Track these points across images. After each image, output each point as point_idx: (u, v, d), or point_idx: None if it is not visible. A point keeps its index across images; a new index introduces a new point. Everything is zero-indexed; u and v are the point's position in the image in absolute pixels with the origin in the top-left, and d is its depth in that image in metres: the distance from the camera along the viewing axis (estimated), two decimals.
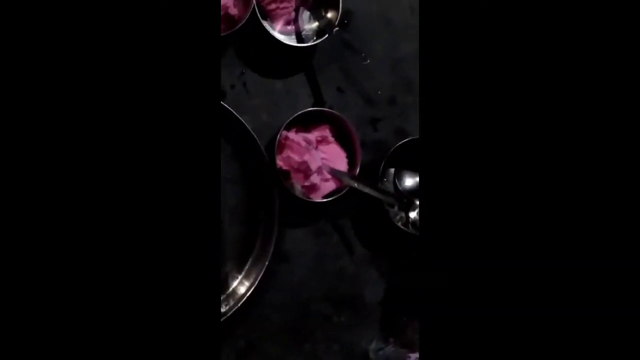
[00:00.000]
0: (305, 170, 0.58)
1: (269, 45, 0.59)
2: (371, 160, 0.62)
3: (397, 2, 0.67)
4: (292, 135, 0.58)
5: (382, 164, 0.61)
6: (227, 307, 0.53)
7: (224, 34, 0.56)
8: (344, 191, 0.58)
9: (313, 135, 0.61)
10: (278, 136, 0.57)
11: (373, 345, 0.62)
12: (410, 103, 0.66)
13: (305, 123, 0.60)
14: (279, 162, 0.58)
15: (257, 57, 0.61)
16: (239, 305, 0.53)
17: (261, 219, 0.57)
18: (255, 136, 0.57)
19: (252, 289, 0.54)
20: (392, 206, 0.55)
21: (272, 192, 0.56)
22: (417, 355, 0.61)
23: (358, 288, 0.62)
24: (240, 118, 0.56)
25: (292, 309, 0.60)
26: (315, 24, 0.63)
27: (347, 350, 0.62)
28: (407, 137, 0.62)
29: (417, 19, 0.66)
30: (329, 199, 0.59)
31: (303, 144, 0.59)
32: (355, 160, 0.60)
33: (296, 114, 0.59)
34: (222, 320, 0.52)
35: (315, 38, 0.62)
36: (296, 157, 0.58)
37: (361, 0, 0.65)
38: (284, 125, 0.58)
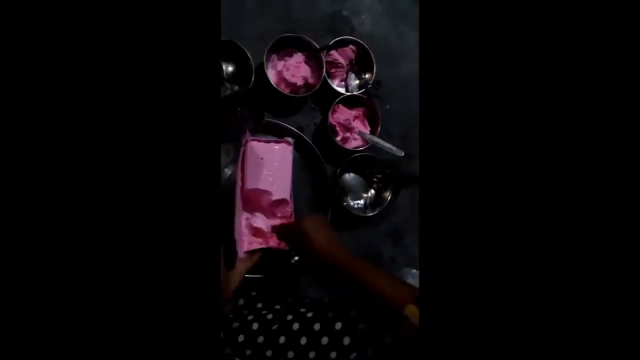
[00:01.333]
0: (346, 125, 0.88)
1: (329, 95, 0.88)
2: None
3: (410, 75, 0.97)
4: (341, 106, 0.88)
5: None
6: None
7: (305, 94, 0.86)
8: (364, 148, 0.87)
9: (353, 112, 0.89)
10: (332, 105, 0.85)
11: None
12: (415, 137, 0.95)
13: (351, 104, 0.90)
14: (331, 120, 0.86)
15: (322, 104, 0.91)
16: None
17: (324, 205, 0.86)
18: (321, 156, 0.85)
19: None
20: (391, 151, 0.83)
21: (330, 191, 0.86)
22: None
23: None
24: (312, 143, 0.85)
25: None
26: (357, 82, 0.95)
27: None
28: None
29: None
30: (355, 150, 0.86)
31: (348, 111, 0.89)
32: (375, 132, 0.88)
33: (345, 95, 0.87)
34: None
35: (357, 90, 0.92)
36: (342, 117, 0.88)
37: (388, 71, 0.96)
38: (337, 100, 0.85)
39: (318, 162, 0.87)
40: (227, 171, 0.84)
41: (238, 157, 0.82)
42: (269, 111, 0.88)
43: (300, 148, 0.87)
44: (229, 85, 0.84)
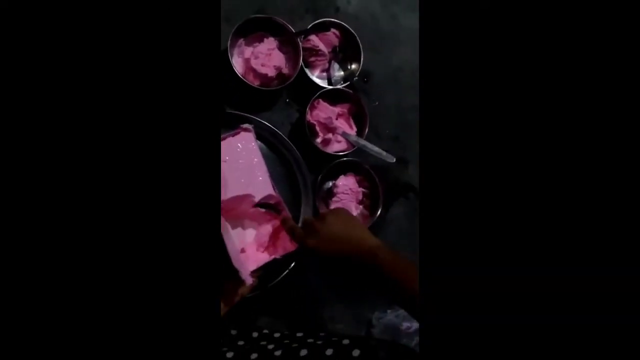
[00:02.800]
0: (327, 124, 0.78)
1: (308, 88, 0.78)
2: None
3: (405, 65, 0.87)
4: (322, 101, 0.78)
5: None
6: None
7: (279, 87, 0.76)
8: (348, 152, 0.78)
9: (336, 109, 0.79)
10: (312, 100, 0.75)
11: (375, 314, 0.79)
12: (409, 139, 0.85)
13: (333, 100, 0.80)
14: (309, 118, 0.77)
15: (300, 100, 0.81)
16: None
17: (302, 203, 0.77)
18: (298, 152, 0.76)
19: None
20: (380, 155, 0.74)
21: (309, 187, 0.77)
22: (409, 324, 0.77)
23: None
24: (291, 143, 0.76)
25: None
26: (342, 73, 0.85)
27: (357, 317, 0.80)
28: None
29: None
30: (337, 154, 0.77)
31: (330, 107, 0.78)
32: (362, 134, 0.79)
33: (327, 88, 0.77)
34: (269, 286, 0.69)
35: (342, 83, 0.82)
36: (322, 114, 0.78)
37: (378, 60, 0.86)
38: (317, 95, 0.76)
39: (293, 158, 0.78)
40: None
41: None
42: (235, 106, 0.77)
43: (271, 144, 0.79)
44: None
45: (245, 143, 0.70)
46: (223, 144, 0.68)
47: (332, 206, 0.79)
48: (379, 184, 0.79)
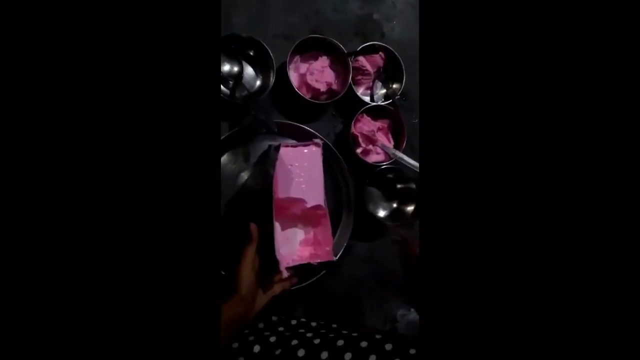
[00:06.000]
0: (369, 136, 0.83)
1: (353, 103, 0.82)
2: None
3: None
4: (365, 116, 0.83)
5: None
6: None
7: (329, 101, 0.80)
8: (386, 163, 0.82)
9: (377, 124, 0.84)
10: (357, 114, 0.80)
11: (400, 312, 0.84)
12: None
13: (375, 115, 0.85)
14: (353, 130, 0.81)
15: (343, 113, 0.86)
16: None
17: (344, 209, 0.83)
18: (342, 160, 0.80)
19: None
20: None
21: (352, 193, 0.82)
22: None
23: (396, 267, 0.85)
24: (336, 151, 0.80)
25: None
26: (384, 91, 0.89)
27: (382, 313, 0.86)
28: None
29: None
30: (376, 164, 0.82)
31: (372, 122, 0.83)
32: (400, 147, 0.83)
33: (373, 104, 0.82)
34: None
35: (383, 100, 0.87)
36: (365, 127, 0.83)
37: (416, 83, 0.88)
38: (362, 110, 0.81)
39: (339, 168, 0.83)
40: (243, 176, 0.79)
41: (249, 160, 0.80)
42: (287, 116, 0.82)
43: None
44: (246, 87, 0.79)
45: (313, 155, 0.74)
46: (295, 150, 0.72)
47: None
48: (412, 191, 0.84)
